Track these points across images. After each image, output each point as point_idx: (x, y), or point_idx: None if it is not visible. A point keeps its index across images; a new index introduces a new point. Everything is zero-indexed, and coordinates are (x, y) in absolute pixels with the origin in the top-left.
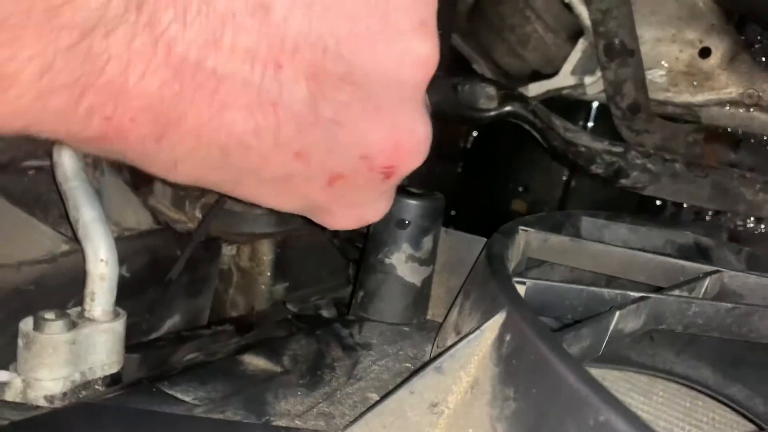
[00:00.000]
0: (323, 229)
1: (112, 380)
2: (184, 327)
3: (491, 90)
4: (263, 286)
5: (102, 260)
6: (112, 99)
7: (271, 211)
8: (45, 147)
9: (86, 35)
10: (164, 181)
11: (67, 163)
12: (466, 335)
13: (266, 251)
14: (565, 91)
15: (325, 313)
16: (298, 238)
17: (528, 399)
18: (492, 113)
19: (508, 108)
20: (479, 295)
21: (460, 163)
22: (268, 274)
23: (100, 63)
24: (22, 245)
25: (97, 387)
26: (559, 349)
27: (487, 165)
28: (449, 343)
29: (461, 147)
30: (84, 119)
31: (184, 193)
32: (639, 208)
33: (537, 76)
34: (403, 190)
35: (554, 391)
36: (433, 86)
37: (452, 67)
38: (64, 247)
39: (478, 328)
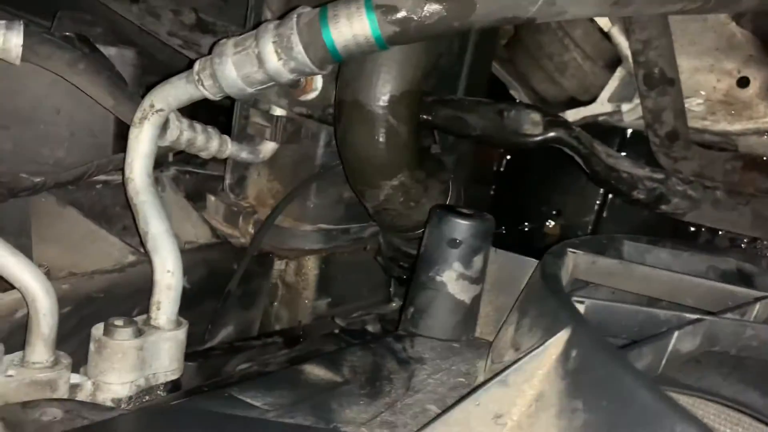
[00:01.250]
0: (365, 247)
1: (173, 386)
2: (236, 337)
3: (536, 116)
4: (307, 301)
5: (169, 271)
6: None
7: (319, 229)
8: (114, 163)
9: None
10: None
11: (138, 178)
12: (529, 351)
13: (312, 267)
14: (601, 118)
15: (370, 328)
16: (342, 255)
17: (598, 411)
18: (537, 138)
19: (552, 134)
20: (538, 313)
21: (493, 186)
22: (313, 289)
23: None
24: (92, 255)
25: (159, 392)
26: (629, 365)
27: (521, 188)
28: (507, 358)
29: (495, 170)
30: None
31: (237, 209)
32: (673, 234)
33: (573, 102)
34: (454, 211)
35: (626, 404)
36: (479, 111)
37: (490, 91)
38: (131, 258)
39: (541, 344)
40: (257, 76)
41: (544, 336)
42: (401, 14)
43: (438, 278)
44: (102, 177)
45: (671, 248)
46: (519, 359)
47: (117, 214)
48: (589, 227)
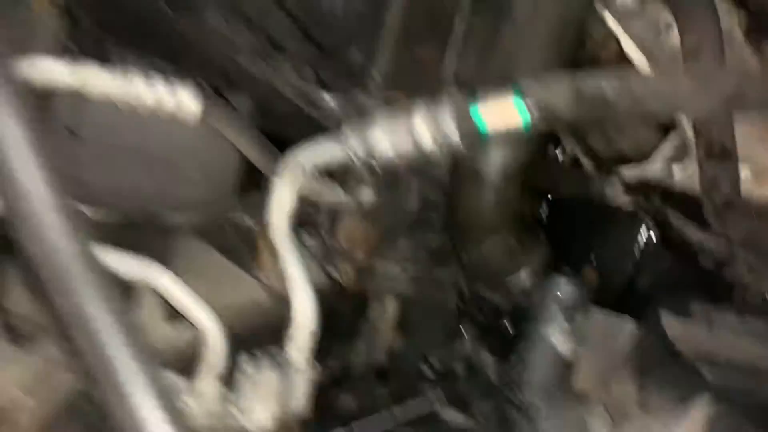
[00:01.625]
0: (441, 291)
1: (303, 421)
2: (337, 371)
3: (618, 181)
4: (385, 339)
5: (306, 312)
6: None
7: (405, 272)
8: (246, 206)
9: None
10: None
11: (278, 224)
12: (665, 410)
13: (392, 306)
14: (651, 177)
15: (458, 369)
16: (419, 297)
17: None
18: (619, 202)
19: (633, 198)
20: (667, 375)
21: None
22: (390, 327)
23: None
24: (228, 292)
25: (291, 426)
26: None
27: (559, 235)
28: (632, 413)
29: (533, 216)
30: None
31: (331, 250)
32: (710, 288)
33: (622, 158)
34: (559, 270)
35: None
36: (569, 174)
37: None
38: (265, 296)
39: (678, 405)
40: (407, 149)
41: (681, 397)
42: (549, 105)
43: (542, 331)
44: (230, 216)
45: (737, 313)
46: (658, 419)
47: (238, 251)
48: (627, 277)
